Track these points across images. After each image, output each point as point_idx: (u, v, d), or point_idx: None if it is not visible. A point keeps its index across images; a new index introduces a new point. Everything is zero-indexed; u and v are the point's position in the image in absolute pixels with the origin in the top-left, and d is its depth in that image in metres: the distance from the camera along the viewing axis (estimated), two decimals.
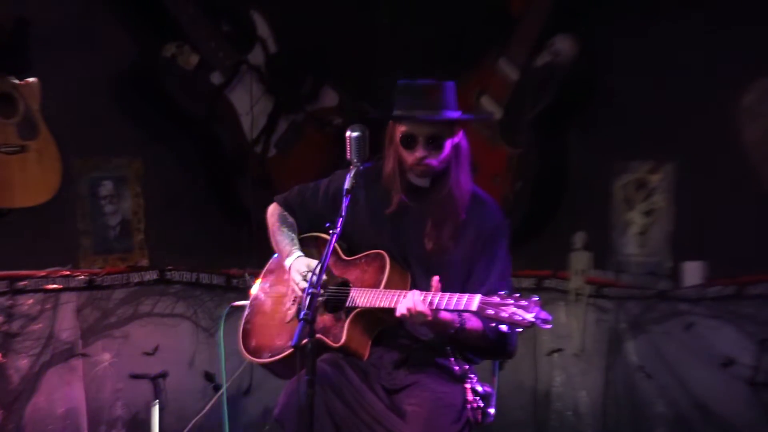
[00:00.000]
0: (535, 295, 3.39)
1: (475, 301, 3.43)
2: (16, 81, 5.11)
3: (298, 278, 3.87)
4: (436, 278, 3.58)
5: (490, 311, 3.38)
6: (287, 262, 3.95)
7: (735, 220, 5.36)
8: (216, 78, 5.85)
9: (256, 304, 4.11)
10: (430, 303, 3.53)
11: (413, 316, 3.55)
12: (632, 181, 5.73)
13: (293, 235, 4.06)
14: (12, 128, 5.08)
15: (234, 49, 5.86)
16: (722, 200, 5.36)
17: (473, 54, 5.96)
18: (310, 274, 3.77)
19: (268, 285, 4.13)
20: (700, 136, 5.46)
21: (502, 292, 3.41)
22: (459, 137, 3.84)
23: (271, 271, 4.15)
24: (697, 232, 5.52)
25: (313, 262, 3.87)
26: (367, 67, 5.95)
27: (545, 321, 3.35)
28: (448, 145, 3.80)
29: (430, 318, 3.54)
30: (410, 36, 5.97)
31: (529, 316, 3.33)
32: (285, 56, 5.99)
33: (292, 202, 4.13)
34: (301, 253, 3.96)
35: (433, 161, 3.78)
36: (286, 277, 3.98)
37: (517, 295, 3.39)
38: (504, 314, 3.35)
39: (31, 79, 5.15)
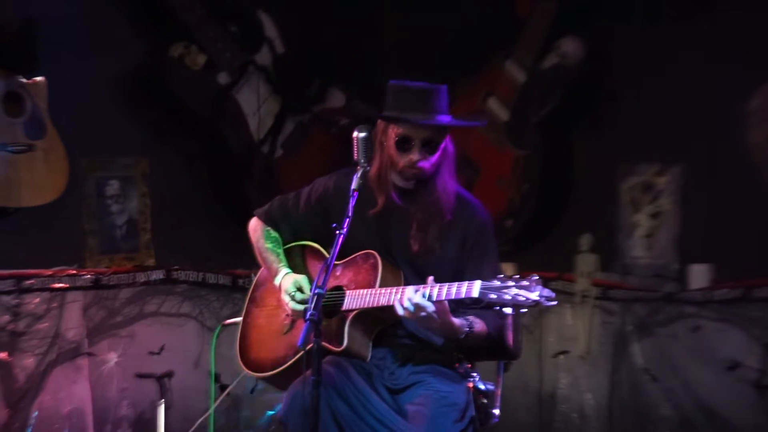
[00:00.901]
0: (535, 274, 3.38)
1: (476, 287, 3.41)
2: (24, 80, 5.11)
3: (287, 298, 3.87)
4: (431, 278, 3.56)
5: (493, 296, 3.36)
6: (276, 281, 3.94)
7: (741, 222, 5.34)
8: (223, 78, 5.86)
9: (249, 318, 4.10)
10: (430, 296, 3.50)
11: (414, 310, 3.52)
12: (639, 183, 5.72)
13: (279, 250, 4.05)
14: (19, 127, 5.08)
15: (241, 50, 5.88)
16: (728, 203, 5.35)
17: (480, 55, 5.96)
18: (297, 293, 3.82)
19: (259, 298, 4.12)
20: (706, 139, 5.45)
21: (502, 276, 3.39)
22: (447, 140, 3.82)
23: (260, 284, 4.14)
24: (703, 235, 5.50)
25: (300, 278, 3.89)
26: (374, 68, 5.94)
27: (549, 298, 3.33)
28: (440, 148, 3.78)
29: (431, 310, 3.51)
30: (416, 37, 5.96)
31: (533, 296, 3.31)
32: (292, 57, 6.00)
33: (274, 214, 4.10)
34: (289, 270, 3.95)
35: (426, 164, 3.75)
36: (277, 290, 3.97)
37: (517, 276, 3.37)
38: (507, 297, 3.34)
39: (38, 78, 5.15)
